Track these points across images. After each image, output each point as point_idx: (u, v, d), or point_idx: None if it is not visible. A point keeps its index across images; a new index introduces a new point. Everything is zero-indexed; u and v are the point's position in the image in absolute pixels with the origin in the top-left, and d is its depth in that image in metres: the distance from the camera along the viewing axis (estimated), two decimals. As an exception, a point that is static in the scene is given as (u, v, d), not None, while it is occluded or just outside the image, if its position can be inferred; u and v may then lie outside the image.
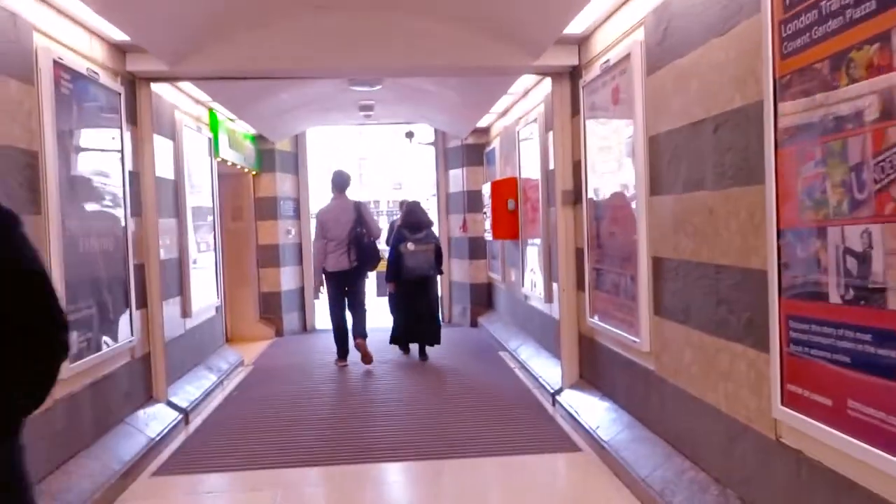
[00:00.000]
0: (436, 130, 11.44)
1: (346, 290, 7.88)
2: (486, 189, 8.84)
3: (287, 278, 10.74)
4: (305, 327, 11.23)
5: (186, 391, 6.14)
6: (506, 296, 9.50)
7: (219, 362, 7.42)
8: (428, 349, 8.33)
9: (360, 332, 7.81)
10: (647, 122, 4.20)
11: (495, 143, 9.75)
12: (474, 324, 10.76)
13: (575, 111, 5.72)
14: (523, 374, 7.27)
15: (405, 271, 7.89)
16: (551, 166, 6.50)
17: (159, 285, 5.65)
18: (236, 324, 10.34)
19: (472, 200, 10.70)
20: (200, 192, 7.34)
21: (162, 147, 6.19)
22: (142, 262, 5.51)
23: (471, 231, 10.75)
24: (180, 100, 6.78)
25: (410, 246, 7.90)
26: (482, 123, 9.97)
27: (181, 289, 6.53)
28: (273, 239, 10.51)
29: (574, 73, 5.73)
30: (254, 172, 10.31)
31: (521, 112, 8.01)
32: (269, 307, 10.54)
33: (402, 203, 8.95)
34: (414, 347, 8.45)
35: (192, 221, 6.95)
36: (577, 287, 5.87)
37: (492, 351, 8.80)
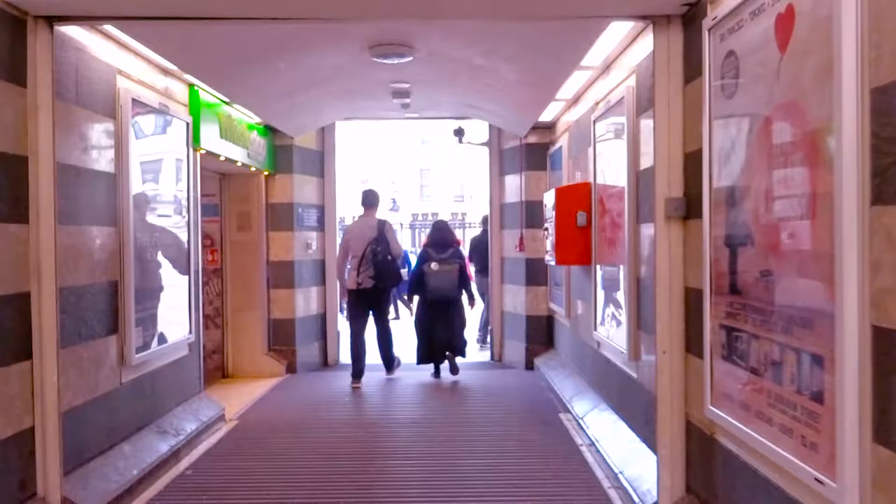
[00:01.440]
0: (490, 127, 9.44)
1: (368, 309, 7.95)
2: (549, 198, 6.81)
3: (304, 302, 8.87)
4: (326, 361, 9.33)
5: (103, 478, 4.25)
6: (570, 336, 7.40)
7: (183, 421, 5.55)
8: (468, 388, 7.63)
9: (386, 364, 8.18)
10: (869, 65, 2.11)
11: (562, 142, 7.70)
12: (530, 365, 8.69)
13: (691, 74, 3.64)
14: (595, 457, 5.16)
15: (428, 291, 7.94)
16: (646, 164, 4.42)
17: (55, 325, 3.78)
18: (238, 357, 8.52)
19: (532, 213, 8.65)
20: (164, 193, 5.53)
21: (90, 127, 4.37)
22: (23, 290, 3.66)
23: (529, 250, 8.69)
24: (129, 63, 4.96)
25: (434, 266, 7.88)
26: (546, 117, 7.93)
27: (115, 325, 4.68)
28: (287, 254, 8.66)
29: (691, 15, 3.67)
30: (266, 173, 8.49)
31: (598, 95, 5.94)
32: (281, 337, 8.69)
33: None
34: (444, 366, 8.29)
35: (146, 231, 5.12)
36: (688, 350, 3.76)
37: (550, 409, 6.71)
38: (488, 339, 9.83)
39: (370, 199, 8.19)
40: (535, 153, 8.72)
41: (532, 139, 8.71)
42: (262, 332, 8.54)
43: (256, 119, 7.69)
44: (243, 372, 8.47)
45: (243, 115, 7.44)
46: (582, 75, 6.06)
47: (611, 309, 5.46)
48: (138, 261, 4.95)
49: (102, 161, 4.53)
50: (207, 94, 6.41)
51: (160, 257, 5.37)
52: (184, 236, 5.85)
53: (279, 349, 8.66)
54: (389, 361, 8.22)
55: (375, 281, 7.68)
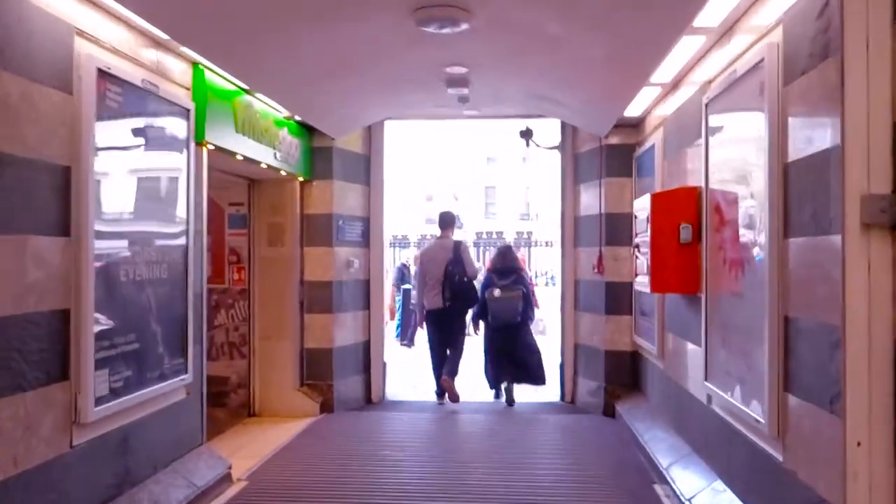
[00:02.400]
0: (564, 127, 8.06)
1: (444, 331, 7.91)
2: (641, 208, 5.40)
3: (343, 329, 7.63)
4: (370, 398, 8.06)
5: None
6: (663, 380, 5.93)
7: (169, 489, 4.33)
8: (535, 438, 6.58)
9: (450, 371, 7.80)
10: None
11: (653, 141, 6.28)
12: (609, 410, 7.22)
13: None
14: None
15: (491, 317, 7.84)
16: (804, 151, 2.99)
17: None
18: (266, 393, 7.33)
19: (614, 228, 7.23)
20: (150, 195, 4.36)
21: (26, 101, 3.22)
22: None
23: (610, 273, 7.25)
24: (97, 25, 3.82)
25: (497, 292, 7.78)
26: (632, 112, 6.52)
27: (63, 370, 3.49)
28: (325, 273, 7.45)
29: None
30: (301, 179, 7.32)
31: (712, 71, 4.52)
32: (315, 370, 7.46)
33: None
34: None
35: (120, 243, 3.95)
36: (904, 443, 2.33)
37: (640, 476, 5.25)
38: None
39: (447, 221, 8.24)
40: (618, 156, 7.30)
41: (614, 140, 7.30)
42: (294, 364, 7.33)
43: (286, 113, 6.51)
44: (272, 410, 7.26)
45: (270, 109, 6.28)
46: (688, 48, 4.65)
47: (731, 355, 4.01)
48: (104, 282, 3.77)
49: (48, 148, 3.37)
50: (219, 77, 5.26)
51: (143, 276, 4.19)
52: (179, 249, 4.66)
53: (313, 384, 7.44)
54: (451, 375, 7.82)
55: (451, 302, 7.68)
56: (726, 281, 4.08)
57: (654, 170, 6.16)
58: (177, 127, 4.61)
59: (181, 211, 4.68)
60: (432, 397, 8.25)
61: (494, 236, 42.73)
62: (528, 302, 7.95)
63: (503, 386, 8.02)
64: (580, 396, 7.82)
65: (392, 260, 17.07)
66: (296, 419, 7.07)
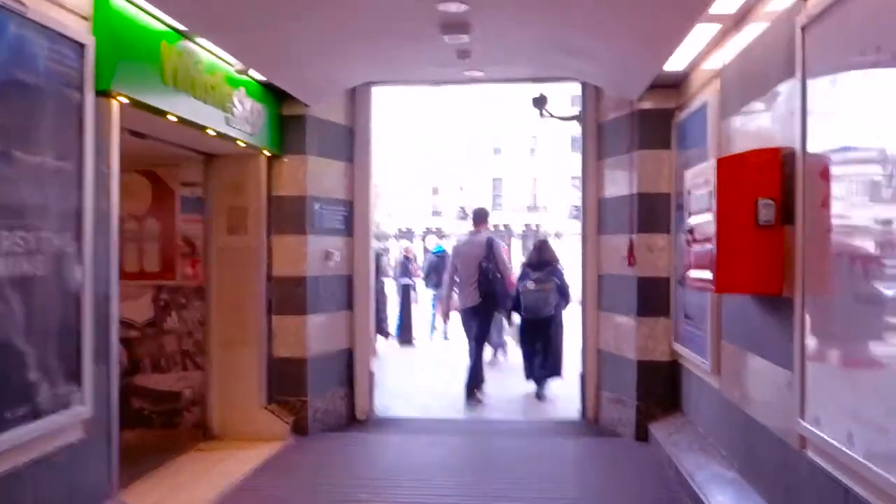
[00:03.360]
0: (585, 91, 6.74)
1: (474, 324, 7.86)
2: (698, 179, 4.07)
3: (321, 334, 6.36)
4: (354, 415, 6.79)
5: None
6: (719, 403, 4.63)
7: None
8: (553, 472, 5.38)
9: (473, 384, 7.72)
10: None
11: (704, 99, 4.96)
12: (642, 434, 5.93)
13: None
14: None
15: (523, 310, 7.89)
16: None
17: None
18: (227, 411, 6.09)
19: (648, 211, 5.93)
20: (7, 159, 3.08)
21: None
22: None
23: (643, 265, 5.95)
24: None
25: (530, 285, 7.81)
26: (674, 66, 5.19)
27: None
28: (298, 266, 6.18)
29: None
30: (267, 153, 6.05)
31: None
32: (287, 383, 6.19)
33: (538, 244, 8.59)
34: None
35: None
36: None
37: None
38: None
39: (480, 217, 8.25)
40: (654, 124, 5.97)
41: (648, 104, 5.97)
42: (260, 377, 6.06)
43: (239, 66, 5.20)
44: (233, 431, 6.00)
45: (219, 61, 4.98)
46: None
47: (855, 388, 2.71)
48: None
49: None
50: (140, 11, 3.97)
51: (-2, 274, 2.91)
52: (67, 236, 3.38)
53: (283, 400, 6.17)
54: (478, 383, 7.88)
55: (484, 299, 7.66)
56: (844, 278, 2.77)
57: (706, 136, 4.85)
58: (62, 68, 3.33)
59: (69, 184, 3.39)
60: (429, 412, 7.05)
61: (502, 228, 41.38)
62: (563, 294, 7.96)
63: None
64: (605, 414, 6.52)
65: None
66: (262, 443, 5.81)
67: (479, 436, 6.30)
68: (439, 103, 61.21)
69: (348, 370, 6.76)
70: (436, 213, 59.52)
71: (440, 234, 33.44)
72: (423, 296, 14.89)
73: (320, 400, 6.32)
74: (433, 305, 13.74)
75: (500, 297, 7.76)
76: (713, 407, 4.79)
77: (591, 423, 6.65)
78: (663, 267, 5.88)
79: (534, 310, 7.78)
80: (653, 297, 5.93)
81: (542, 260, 8.03)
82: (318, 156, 6.34)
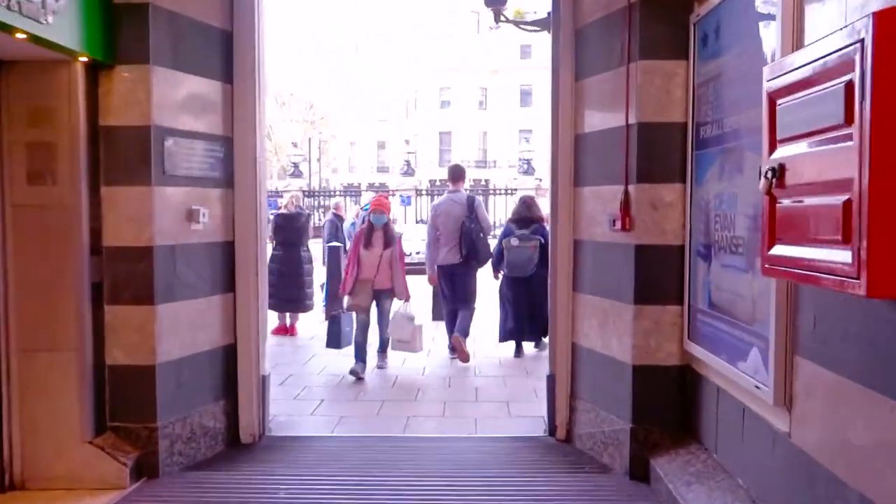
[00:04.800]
0: (556, -10, 4.81)
1: (454, 284, 7.63)
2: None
3: (182, 328, 4.39)
4: (237, 437, 4.88)
5: None
6: (789, 456, 2.86)
7: None
8: None
9: (461, 330, 7.47)
10: None
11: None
12: (640, 471, 4.15)
13: None
14: None
15: (507, 266, 7.77)
16: None
17: None
18: (34, 448, 4.10)
19: (651, 150, 4.07)
20: None
21: None
22: None
23: (643, 230, 4.11)
24: None
25: (514, 241, 7.70)
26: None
27: None
28: (142, 232, 4.17)
29: None
30: (86, 59, 3.98)
31: None
32: (127, 403, 4.24)
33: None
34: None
35: None
36: None
37: None
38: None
39: (458, 174, 8.05)
40: (661, 22, 4.06)
41: (653, -8, 4.09)
42: (83, 396, 4.09)
43: None
44: (44, 477, 4.05)
45: None
46: None
47: None
48: None
49: None
50: None
51: None
52: None
53: (122, 428, 4.22)
54: (463, 334, 7.52)
55: (466, 258, 7.48)
56: None
57: (760, 29, 3.00)
58: None
59: None
60: (348, 423, 5.26)
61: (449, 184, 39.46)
62: (546, 253, 7.21)
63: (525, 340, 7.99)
64: (581, 429, 4.74)
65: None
66: (85, 494, 3.91)
67: (408, 470, 4.47)
68: (384, 48, 58.52)
69: (228, 376, 4.84)
70: (382, 170, 57.11)
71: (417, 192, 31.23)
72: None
73: (181, 424, 4.39)
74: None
75: (482, 255, 7.63)
76: (774, 457, 3.02)
77: (562, 441, 4.88)
78: (673, 231, 4.08)
79: (519, 267, 7.62)
80: (657, 275, 4.12)
81: (529, 216, 7.81)
82: (173, 67, 4.30)
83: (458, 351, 7.39)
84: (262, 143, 5.05)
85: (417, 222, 29.07)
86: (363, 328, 7.02)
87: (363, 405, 5.99)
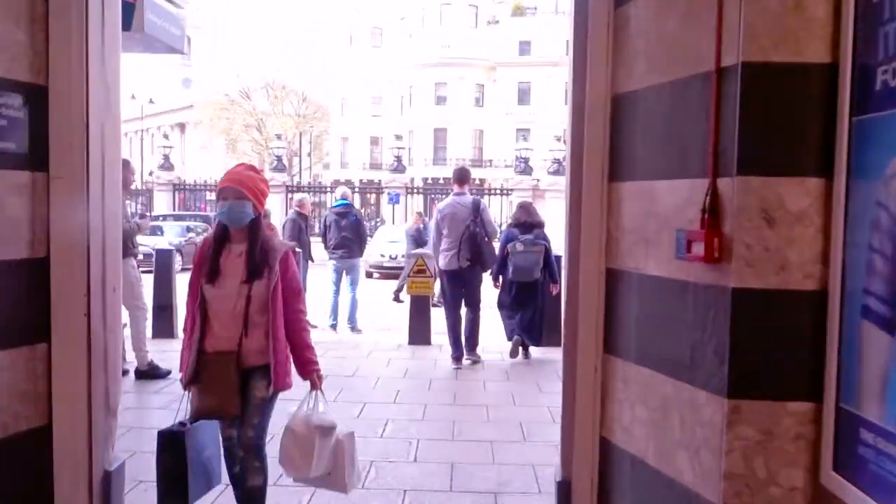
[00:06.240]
0: None
1: (461, 290, 7.44)
2: None
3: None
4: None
5: None
6: None
7: None
8: None
9: (471, 347, 7.48)
10: None
11: None
12: None
13: None
14: None
15: (513, 271, 7.64)
16: None
17: None
18: None
19: (765, 117, 2.19)
20: None
21: None
22: None
23: (746, 260, 2.23)
24: None
25: (519, 246, 7.61)
26: None
27: None
28: None
29: None
30: None
31: None
32: None
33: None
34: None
35: None
36: None
37: None
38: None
39: (463, 177, 7.77)
40: None
41: None
42: None
43: None
44: None
45: None
46: None
47: None
48: None
49: None
50: None
51: None
52: None
53: None
54: (474, 344, 7.52)
55: (471, 262, 7.30)
56: None
57: None
58: None
59: None
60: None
61: (442, 182, 37.48)
62: (550, 258, 7.74)
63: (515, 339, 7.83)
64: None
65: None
66: None
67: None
68: (379, 40, 56.64)
69: (35, 479, 2.94)
70: (375, 166, 55.02)
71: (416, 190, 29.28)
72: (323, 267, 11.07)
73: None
74: (335, 278, 10.06)
75: (488, 259, 7.51)
76: None
77: None
78: (806, 265, 2.19)
79: (525, 272, 7.60)
80: (773, 346, 2.23)
81: (531, 221, 7.79)
82: None
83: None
84: (108, 99, 3.15)
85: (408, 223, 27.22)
86: (238, 463, 3.22)
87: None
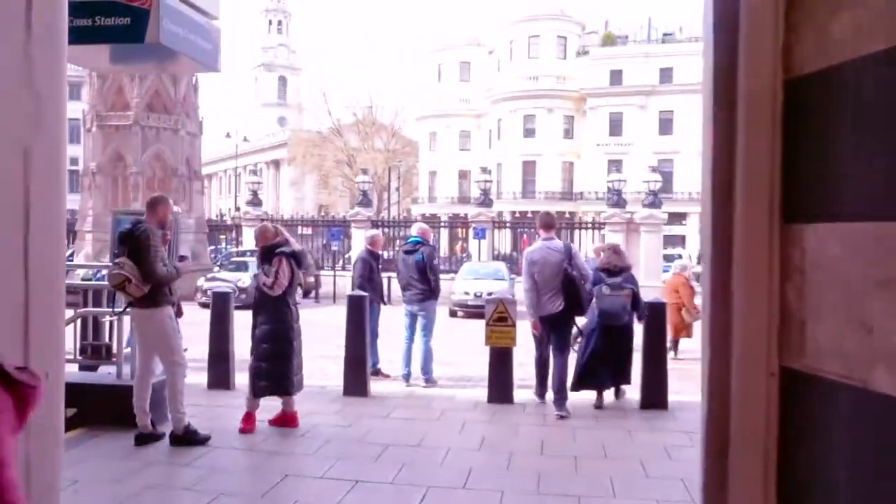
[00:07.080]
0: None
1: (551, 333, 7.52)
2: None
3: None
4: None
5: None
6: None
7: None
8: None
9: (559, 400, 7.22)
10: None
11: None
12: None
13: None
14: None
15: (600, 315, 7.61)
16: None
17: None
18: None
19: None
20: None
21: None
22: None
23: None
24: None
25: (605, 290, 7.62)
26: None
27: None
28: None
29: None
30: None
31: None
32: None
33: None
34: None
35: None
36: None
37: None
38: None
39: (549, 222, 7.80)
40: None
41: None
42: None
43: None
44: None
45: None
46: None
47: None
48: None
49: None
50: None
51: None
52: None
53: None
54: (564, 397, 7.26)
55: (567, 306, 7.32)
56: None
57: None
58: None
59: None
60: None
61: (530, 216, 36.25)
62: (637, 303, 7.70)
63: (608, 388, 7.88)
64: None
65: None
66: None
67: None
68: (466, 73, 56.36)
69: None
70: (464, 200, 54.23)
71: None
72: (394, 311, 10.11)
73: None
74: (408, 323, 9.11)
75: (584, 302, 7.48)
76: None
77: None
78: None
79: (613, 316, 7.57)
80: None
81: (619, 265, 7.80)
82: None
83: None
84: (40, 113, 2.23)
85: (496, 258, 26.07)
86: None
87: None
